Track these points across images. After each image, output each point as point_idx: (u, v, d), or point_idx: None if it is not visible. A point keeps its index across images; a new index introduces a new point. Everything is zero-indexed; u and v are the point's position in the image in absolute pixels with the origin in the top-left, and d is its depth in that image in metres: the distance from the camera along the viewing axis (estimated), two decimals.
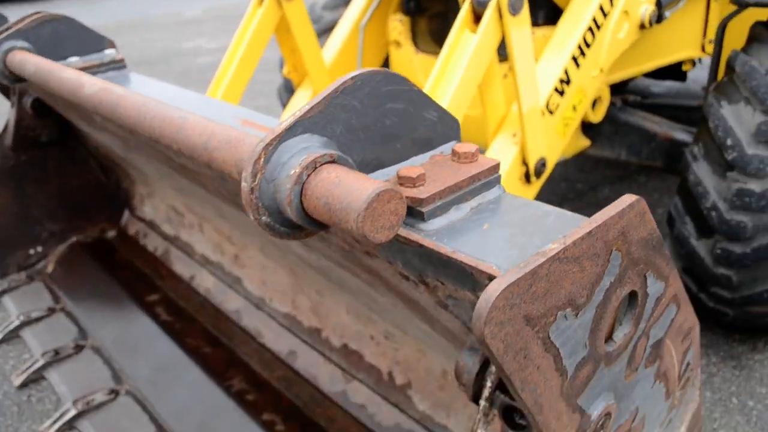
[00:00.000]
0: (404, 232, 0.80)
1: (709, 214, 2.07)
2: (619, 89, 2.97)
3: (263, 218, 0.77)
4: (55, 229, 2.93)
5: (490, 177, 0.84)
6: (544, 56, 2.19)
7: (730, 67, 2.23)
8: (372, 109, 0.79)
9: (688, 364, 1.18)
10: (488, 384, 0.88)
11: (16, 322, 2.54)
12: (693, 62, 3.45)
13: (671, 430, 1.29)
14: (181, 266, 2.71)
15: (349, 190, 0.70)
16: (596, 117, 2.47)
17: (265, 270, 2.34)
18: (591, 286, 0.74)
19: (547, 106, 2.07)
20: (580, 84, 2.16)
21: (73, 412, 2.10)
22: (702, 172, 2.10)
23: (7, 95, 2.66)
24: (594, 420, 0.84)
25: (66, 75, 1.35)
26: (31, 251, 2.89)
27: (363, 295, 1.59)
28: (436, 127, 0.87)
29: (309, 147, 0.74)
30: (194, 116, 0.98)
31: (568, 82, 2.11)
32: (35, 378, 2.31)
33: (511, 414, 0.88)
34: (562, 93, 2.10)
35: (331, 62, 2.55)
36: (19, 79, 1.54)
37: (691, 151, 2.19)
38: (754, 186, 1.97)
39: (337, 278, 1.57)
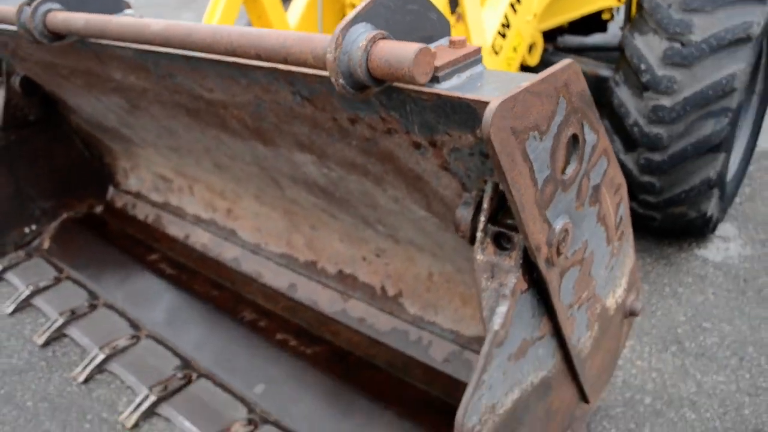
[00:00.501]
0: (426, 88, 1.12)
1: (632, 129, 2.47)
2: (551, 38, 3.39)
3: (340, 80, 1.08)
4: (46, 207, 3.12)
5: (476, 57, 1.18)
6: (487, 4, 2.55)
7: (640, 6, 2.63)
8: (399, 7, 1.13)
9: (621, 218, 1.56)
10: (482, 219, 1.22)
11: (27, 292, 2.75)
12: (611, 13, 3.91)
13: (614, 277, 1.67)
14: (174, 228, 2.95)
15: (400, 50, 1.04)
16: (533, 60, 2.85)
17: (258, 217, 2.61)
18: (548, 119, 1.09)
19: (493, 47, 2.43)
20: (518, 28, 2.53)
21: (101, 357, 2.34)
22: (623, 95, 2.51)
23: None
24: (557, 232, 1.20)
25: (125, 21, 1.57)
26: (26, 230, 3.07)
27: (364, 206, 1.88)
28: (435, 25, 1.20)
29: (367, 30, 1.08)
30: (265, 29, 1.29)
31: (508, 26, 2.47)
32: (56, 336, 2.53)
33: (499, 240, 1.23)
34: (504, 36, 2.47)
35: (295, 26, 2.83)
36: (58, 37, 1.74)
37: (613, 79, 2.59)
38: (666, 102, 2.38)
39: (343, 192, 1.86)
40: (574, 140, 1.19)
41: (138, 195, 3.19)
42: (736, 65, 2.38)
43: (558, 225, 1.21)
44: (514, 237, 1.22)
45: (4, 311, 2.71)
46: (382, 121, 1.32)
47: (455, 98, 1.10)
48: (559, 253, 1.24)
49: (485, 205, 1.24)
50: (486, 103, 1.04)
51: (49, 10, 1.72)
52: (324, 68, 1.11)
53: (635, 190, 2.59)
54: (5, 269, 2.94)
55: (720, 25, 2.40)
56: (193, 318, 2.47)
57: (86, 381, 2.31)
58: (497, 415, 1.36)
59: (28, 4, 1.74)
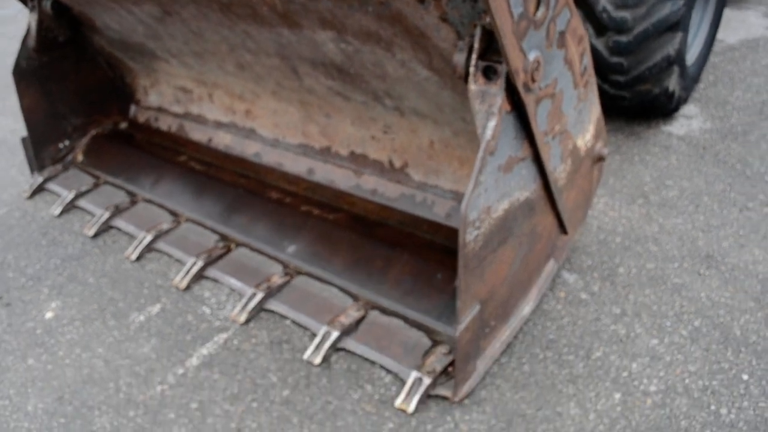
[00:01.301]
0: None
1: (601, 15, 2.79)
2: None
3: None
4: (77, 124, 3.43)
5: None
6: None
7: None
8: None
9: (585, 68, 1.91)
10: (473, 56, 1.57)
11: (71, 195, 3.08)
12: None
13: (582, 121, 2.03)
14: (197, 134, 3.27)
15: None
16: None
17: (276, 114, 2.94)
18: None
19: None
20: None
21: (149, 237, 2.70)
22: None
23: (24, 2, 3.09)
24: (530, 62, 1.55)
25: None
26: (60, 145, 3.39)
27: (375, 78, 2.21)
28: None
29: None
30: None
31: None
32: (104, 229, 2.88)
33: (487, 73, 1.59)
34: None
35: None
36: None
37: None
38: None
39: (357, 66, 2.17)
40: None
41: (159, 109, 3.49)
42: None
43: (531, 56, 1.56)
44: (499, 68, 1.57)
45: (52, 213, 3.05)
46: None
47: None
48: (533, 80, 1.60)
49: (476, 45, 1.58)
50: None
51: None
52: None
53: (606, 71, 2.93)
54: (46, 180, 3.27)
55: None
56: (224, 202, 2.82)
57: (138, 259, 2.67)
58: (492, 218, 1.74)
59: None
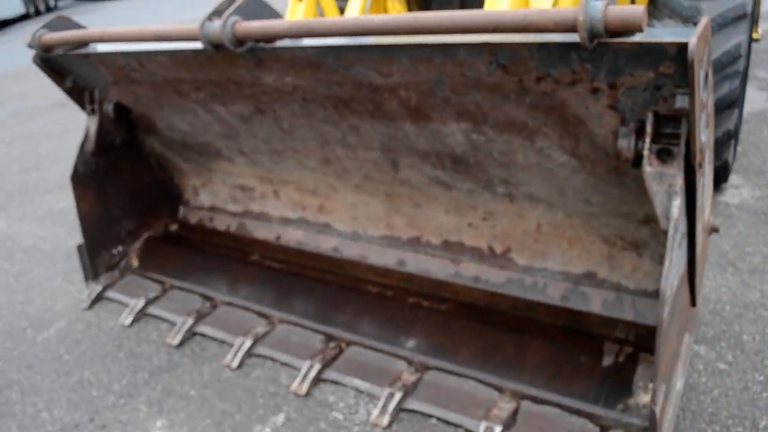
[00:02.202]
0: (628, 39, 1.52)
1: None
2: None
3: (584, 35, 1.48)
4: (130, 228, 3.31)
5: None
6: None
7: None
8: None
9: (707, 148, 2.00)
10: (647, 140, 1.65)
11: (140, 303, 2.94)
12: None
13: (707, 195, 2.10)
14: (263, 232, 3.20)
15: (629, 10, 1.45)
16: None
17: (354, 207, 2.92)
18: (704, 56, 1.51)
19: None
20: None
21: (248, 342, 2.58)
22: None
23: (82, 105, 3.03)
24: (703, 142, 1.65)
25: (328, 19, 1.89)
26: (114, 251, 3.25)
27: (497, 166, 2.20)
28: None
29: None
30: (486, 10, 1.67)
31: None
32: (188, 336, 2.74)
33: (660, 155, 1.66)
34: None
35: None
36: (240, 43, 2.02)
37: None
38: None
39: (482, 156, 2.17)
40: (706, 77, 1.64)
41: (212, 209, 3.42)
42: (739, 37, 2.94)
43: (703, 137, 1.65)
44: (674, 150, 1.65)
45: (122, 323, 2.89)
46: (571, 74, 1.71)
47: (655, 43, 1.51)
48: (703, 159, 1.69)
49: (648, 129, 1.67)
50: (685, 43, 1.45)
51: (236, 21, 2.01)
52: (564, 30, 1.50)
53: None
54: (105, 288, 3.11)
55: (722, 7, 2.96)
56: (316, 300, 2.74)
57: (239, 366, 2.53)
58: (673, 294, 1.77)
59: (217, 17, 2.03)
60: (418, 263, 2.77)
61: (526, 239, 2.55)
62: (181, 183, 3.51)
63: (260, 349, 2.58)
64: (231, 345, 2.63)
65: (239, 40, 2.03)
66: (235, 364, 2.54)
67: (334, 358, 2.46)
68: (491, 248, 2.62)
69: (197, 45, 2.18)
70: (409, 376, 2.31)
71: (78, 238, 3.71)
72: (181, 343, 2.71)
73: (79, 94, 3.00)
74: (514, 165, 2.22)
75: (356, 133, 2.42)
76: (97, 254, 3.16)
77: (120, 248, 3.28)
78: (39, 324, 2.99)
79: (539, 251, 2.53)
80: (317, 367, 2.40)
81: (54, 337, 2.88)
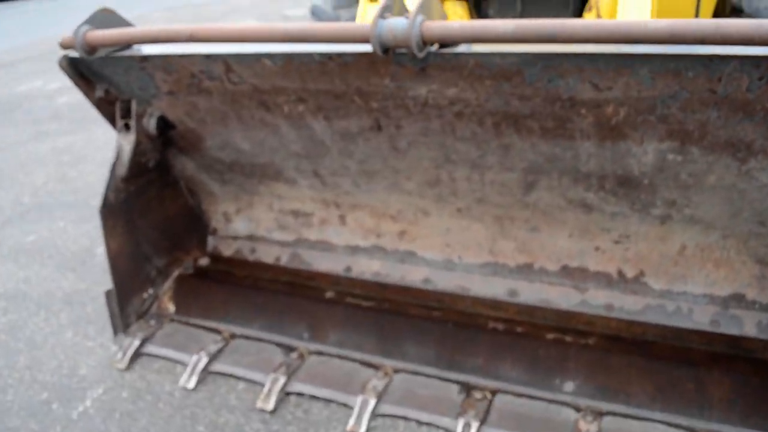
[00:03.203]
0: None
1: None
2: None
3: None
4: (161, 266, 2.76)
5: None
6: None
7: None
8: None
9: None
10: None
11: (203, 360, 2.41)
12: None
13: None
14: (326, 263, 2.78)
15: None
16: None
17: (449, 233, 2.59)
18: None
19: None
20: None
21: (371, 402, 2.17)
22: None
23: (112, 119, 2.45)
24: None
25: (549, 22, 1.56)
26: (145, 295, 2.69)
27: (674, 188, 1.99)
28: None
29: None
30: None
31: None
32: (281, 398, 2.27)
33: None
34: None
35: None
36: (424, 45, 1.69)
37: None
38: None
39: (663, 178, 1.96)
40: None
41: (252, 238, 2.94)
42: None
43: None
44: None
45: (184, 386, 2.35)
46: None
47: None
48: None
49: None
50: None
51: (423, 20, 1.64)
52: None
53: None
54: (144, 342, 2.54)
55: None
56: (431, 342, 2.39)
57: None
58: None
59: (389, 13, 1.65)
60: (534, 292, 2.50)
61: (664, 262, 2.37)
62: (209, 209, 2.98)
63: (386, 408, 2.18)
64: (345, 405, 2.21)
65: (425, 42, 1.66)
66: (362, 428, 2.12)
67: (486, 411, 2.12)
68: (621, 273, 2.41)
69: (353, 48, 1.78)
70: (586, 425, 2.03)
71: (69, 277, 3.08)
72: (276, 408, 2.24)
73: (109, 105, 2.42)
74: (697, 187, 2.03)
75: (504, 153, 2.11)
76: (128, 300, 2.59)
77: (150, 291, 2.71)
78: (67, 395, 2.36)
79: (678, 274, 2.36)
80: (475, 425, 2.05)
81: (95, 412, 2.27)
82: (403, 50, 1.66)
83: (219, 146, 2.56)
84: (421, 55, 1.68)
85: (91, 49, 2.07)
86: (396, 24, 1.64)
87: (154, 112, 2.44)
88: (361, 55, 1.78)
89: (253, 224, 2.94)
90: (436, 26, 1.64)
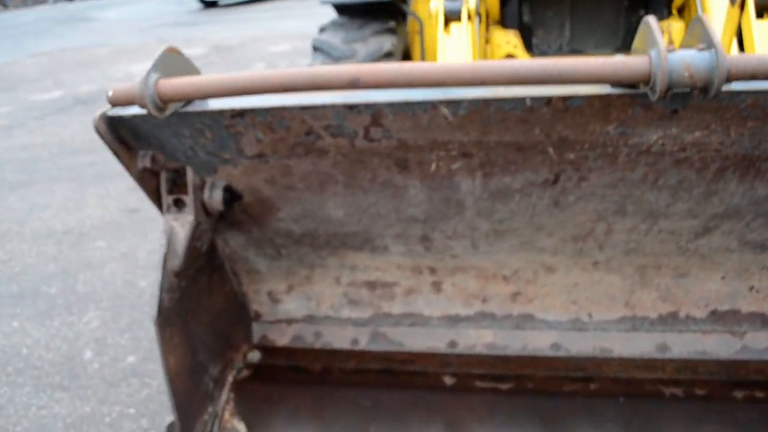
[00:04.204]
0: None
1: None
2: None
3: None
4: (215, 374, 2.13)
5: None
6: None
7: None
8: None
9: None
10: None
11: None
12: None
13: None
14: (420, 341, 2.28)
15: None
16: None
17: (575, 289, 2.20)
18: None
19: None
20: None
21: None
22: None
23: (156, 196, 1.84)
24: None
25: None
26: (206, 416, 2.05)
27: None
28: None
29: None
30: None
31: None
32: None
33: None
34: None
35: None
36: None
37: None
38: None
39: None
40: None
41: (312, 319, 2.37)
42: None
43: None
44: None
45: None
46: None
47: None
48: None
49: None
50: None
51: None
52: None
53: None
54: None
55: None
56: (595, 419, 1.96)
57: None
58: None
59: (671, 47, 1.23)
60: (686, 344, 2.14)
61: None
62: (249, 290, 2.38)
63: None
64: None
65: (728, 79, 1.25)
66: None
67: None
68: None
69: (590, 90, 1.34)
70: None
71: (62, 398, 2.34)
72: None
73: (152, 176, 1.81)
74: None
75: (703, 199, 1.74)
76: (191, 428, 1.94)
77: (210, 409, 2.06)
78: None
79: None
80: None
81: None
82: (685, 89, 1.24)
83: (295, 217, 2.00)
84: (712, 94, 1.26)
85: (164, 104, 1.47)
86: (695, 59, 1.22)
87: (217, 181, 1.84)
88: (597, 97, 1.35)
89: (312, 303, 2.37)
90: (739, 60, 1.23)
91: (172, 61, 1.54)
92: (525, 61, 1.27)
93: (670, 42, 2.72)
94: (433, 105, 1.45)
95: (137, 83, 1.43)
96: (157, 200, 1.84)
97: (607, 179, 1.69)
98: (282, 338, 2.37)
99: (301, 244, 2.17)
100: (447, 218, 1.92)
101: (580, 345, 2.18)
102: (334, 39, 3.47)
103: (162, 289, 1.79)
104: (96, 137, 1.63)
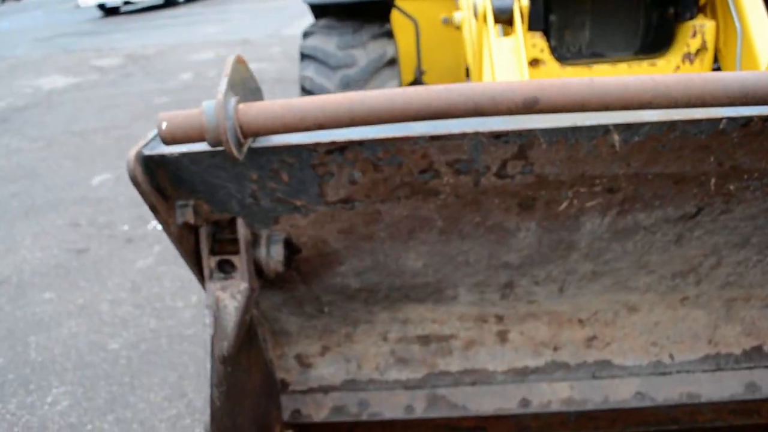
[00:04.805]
0: None
1: None
2: None
3: None
4: None
5: None
6: None
7: None
8: None
9: None
10: None
11: None
12: None
13: None
14: (489, 401, 1.99)
15: None
16: None
17: (655, 328, 1.97)
18: None
19: None
20: None
21: None
22: None
23: (196, 260, 1.45)
24: None
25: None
26: None
27: None
28: None
29: None
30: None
31: None
32: None
33: None
34: None
35: None
36: None
37: None
38: None
39: None
40: None
41: (354, 384, 2.03)
42: None
43: None
44: None
45: None
46: None
47: None
48: None
49: None
50: None
51: None
52: None
53: None
54: None
55: None
56: None
57: None
58: None
59: None
60: None
61: None
62: (274, 355, 2.01)
63: None
64: None
65: None
66: None
67: None
68: None
69: None
70: None
71: None
72: None
73: (190, 231, 1.43)
74: None
75: None
76: None
77: None
78: None
79: None
80: None
81: None
82: None
83: (359, 271, 1.67)
84: None
85: (245, 138, 1.10)
86: None
87: (275, 235, 1.47)
88: None
89: (352, 365, 2.02)
90: None
91: (243, 79, 1.17)
92: (735, 75, 1.01)
93: (703, 44, 2.56)
94: (605, 130, 1.16)
95: (209, 110, 1.05)
96: (195, 263, 1.45)
97: (753, 210, 1.46)
98: (319, 411, 2.01)
99: (353, 300, 1.82)
100: (546, 262, 1.64)
101: (665, 392, 1.96)
102: (327, 45, 3.10)
103: (212, 386, 1.41)
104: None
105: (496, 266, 1.65)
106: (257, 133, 1.07)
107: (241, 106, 1.07)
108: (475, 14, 2.18)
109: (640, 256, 1.64)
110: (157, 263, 3.63)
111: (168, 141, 1.08)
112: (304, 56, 3.18)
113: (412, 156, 1.22)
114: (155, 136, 1.24)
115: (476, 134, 1.16)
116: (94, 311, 3.15)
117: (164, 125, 1.08)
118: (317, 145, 1.19)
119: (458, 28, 3.05)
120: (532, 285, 1.77)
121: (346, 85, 2.93)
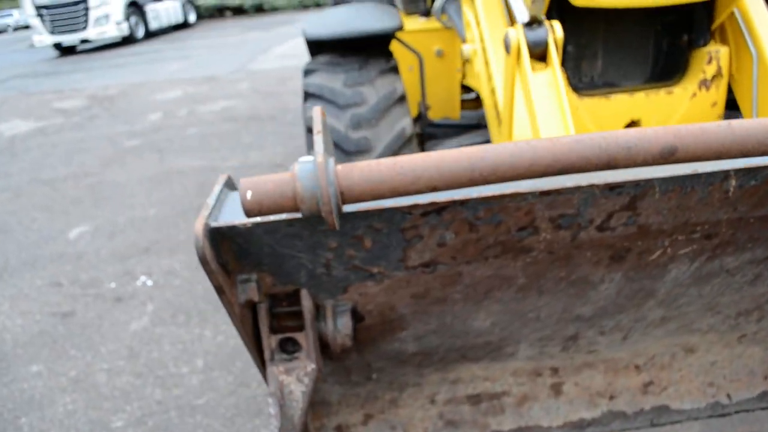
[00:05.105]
0: None
1: None
2: None
3: None
4: None
5: None
6: None
7: None
8: None
9: None
10: None
11: None
12: None
13: None
14: None
15: None
16: None
17: (712, 369, 1.88)
18: None
19: None
20: None
21: None
22: None
23: (255, 340, 1.29)
24: None
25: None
26: None
27: None
28: None
29: None
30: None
31: None
32: None
33: None
34: None
35: None
36: None
37: None
38: None
39: None
40: None
41: None
42: None
43: None
44: None
45: None
46: None
47: None
48: None
49: None
50: None
51: None
52: None
53: None
54: None
55: None
56: None
57: None
58: None
59: None
60: None
61: None
62: (311, 427, 1.84)
63: None
64: None
65: None
66: None
67: None
68: None
69: None
70: None
71: None
72: None
73: (250, 308, 1.27)
74: None
75: None
76: None
77: None
78: None
79: None
80: None
81: None
82: None
83: (421, 335, 1.52)
84: None
85: (343, 203, 0.96)
86: None
87: (340, 305, 1.32)
88: None
89: (403, 426, 1.87)
90: None
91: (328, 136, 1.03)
92: None
93: (719, 70, 2.50)
94: (724, 176, 1.05)
95: (305, 175, 0.90)
96: (254, 344, 1.28)
97: None
98: None
99: (406, 364, 1.67)
100: (618, 312, 1.52)
101: None
102: (334, 83, 2.96)
103: None
104: None
105: (567, 320, 1.53)
106: (359, 199, 0.92)
107: (340, 168, 0.93)
108: (507, 49, 2.08)
109: (712, 298, 1.54)
110: (153, 324, 3.42)
111: (253, 213, 0.93)
112: (308, 95, 3.03)
113: (516, 213, 1.09)
114: (216, 203, 1.08)
115: (590, 187, 1.04)
116: (90, 384, 2.92)
117: (249, 194, 0.92)
118: (414, 207, 1.05)
119: (467, 61, 2.95)
120: (598, 335, 1.65)
121: (357, 125, 2.80)
